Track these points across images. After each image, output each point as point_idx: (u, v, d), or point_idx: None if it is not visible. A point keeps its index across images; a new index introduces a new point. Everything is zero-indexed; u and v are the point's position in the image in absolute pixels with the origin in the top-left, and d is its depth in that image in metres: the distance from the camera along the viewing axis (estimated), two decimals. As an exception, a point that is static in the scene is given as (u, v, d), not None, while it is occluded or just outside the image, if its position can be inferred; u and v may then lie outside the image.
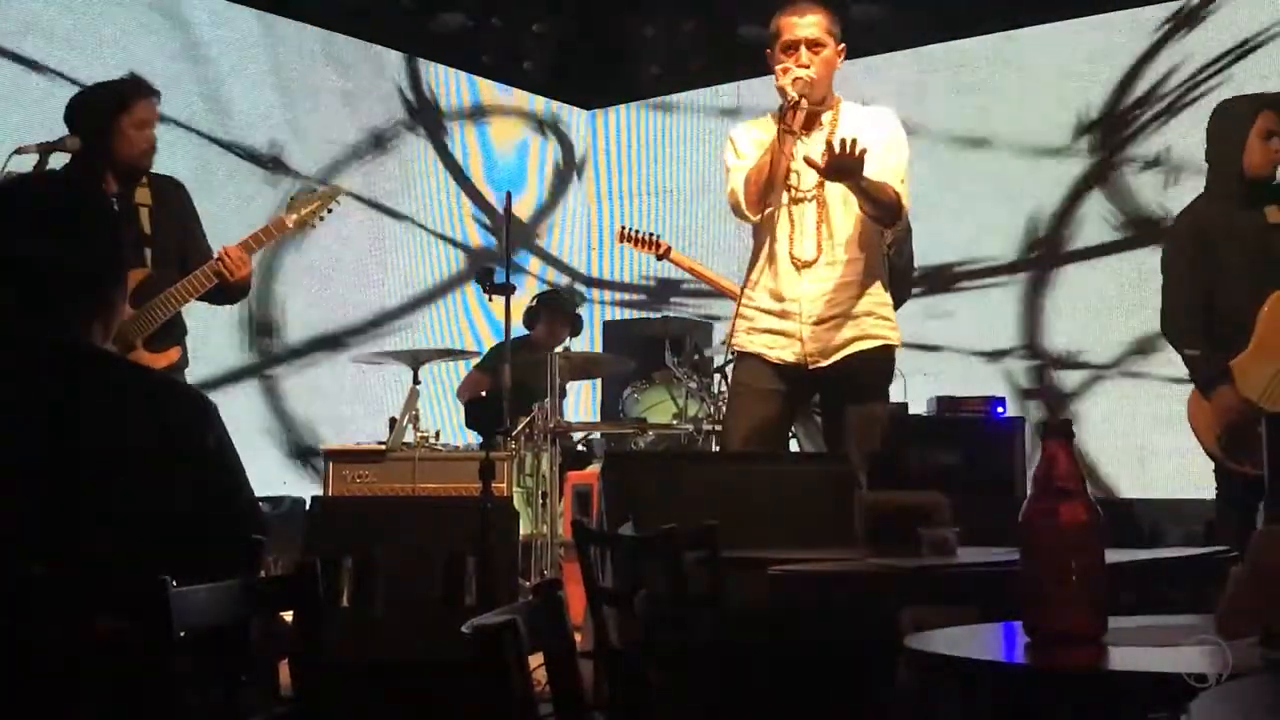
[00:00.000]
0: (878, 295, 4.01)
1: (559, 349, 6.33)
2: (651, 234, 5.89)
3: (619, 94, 8.70)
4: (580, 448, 6.47)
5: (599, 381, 7.67)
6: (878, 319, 4.00)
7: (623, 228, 5.99)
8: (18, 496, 1.81)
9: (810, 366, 3.93)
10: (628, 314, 8.65)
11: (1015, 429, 5.04)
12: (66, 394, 1.90)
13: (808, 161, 3.76)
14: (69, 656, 1.67)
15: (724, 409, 4.21)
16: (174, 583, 1.59)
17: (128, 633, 1.61)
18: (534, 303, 6.82)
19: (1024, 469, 5.16)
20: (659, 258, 5.92)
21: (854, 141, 3.62)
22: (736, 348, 4.03)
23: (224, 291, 4.16)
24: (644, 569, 2.69)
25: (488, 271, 5.47)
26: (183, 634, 1.62)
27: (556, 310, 6.81)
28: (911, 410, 5.49)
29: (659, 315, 8.31)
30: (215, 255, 4.09)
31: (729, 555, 2.61)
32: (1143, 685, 1.41)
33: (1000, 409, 5.04)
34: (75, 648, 1.67)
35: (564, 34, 7.90)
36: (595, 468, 5.49)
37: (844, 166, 3.65)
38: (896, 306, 4.32)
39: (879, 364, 4.01)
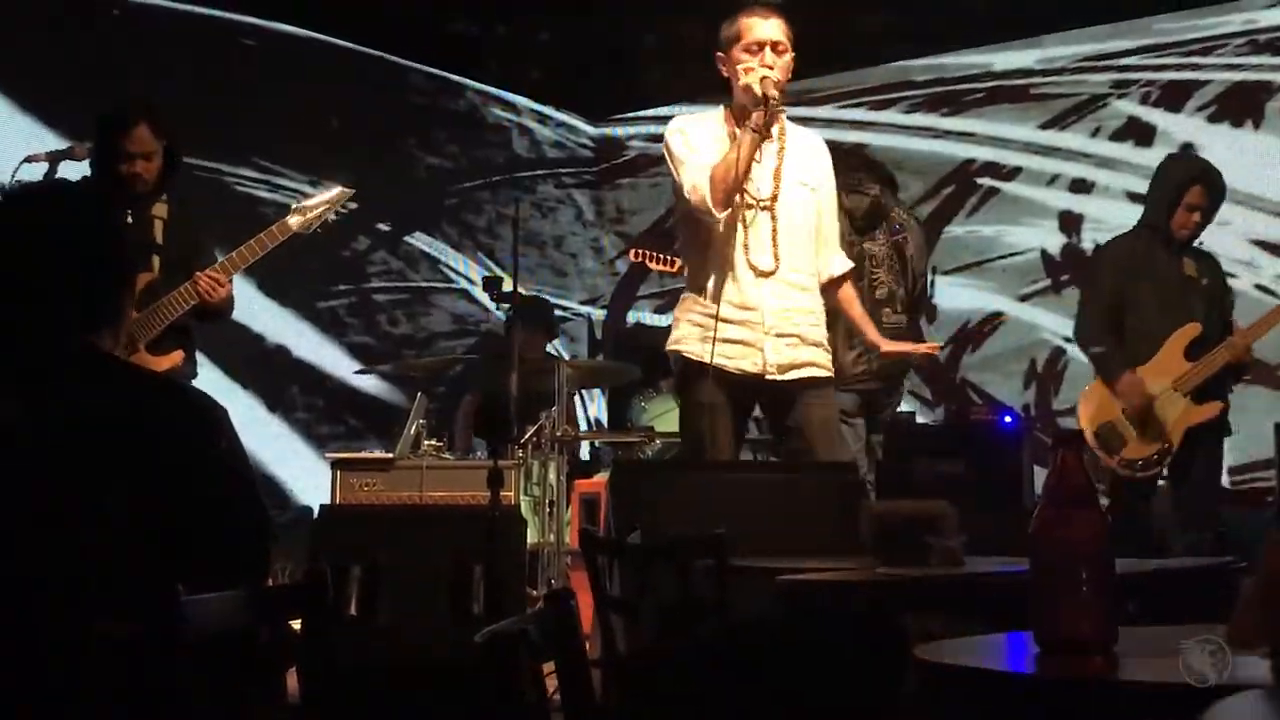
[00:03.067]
0: (824, 328, 3.99)
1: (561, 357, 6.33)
2: (664, 254, 5.90)
3: (625, 103, 8.71)
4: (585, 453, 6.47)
5: (605, 390, 7.67)
6: (825, 351, 3.97)
7: (636, 249, 6.00)
8: (29, 501, 1.81)
9: (767, 378, 3.84)
10: (634, 323, 8.65)
11: (1022, 438, 5.04)
12: (77, 400, 1.90)
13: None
14: (78, 662, 1.67)
15: (682, 419, 4.08)
16: (183, 590, 1.59)
17: (137, 639, 1.61)
18: (508, 313, 6.78)
19: (1031, 478, 5.17)
20: (675, 274, 5.93)
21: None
22: (692, 357, 3.86)
23: (205, 311, 4.17)
24: (651, 577, 2.69)
25: (495, 279, 5.49)
26: (191, 641, 1.62)
27: (529, 318, 6.81)
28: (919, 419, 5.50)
29: (666, 324, 8.31)
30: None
31: (736, 564, 2.61)
32: (1153, 695, 1.40)
33: (1008, 418, 5.05)
34: (84, 654, 1.67)
35: (570, 43, 7.90)
36: (603, 476, 5.49)
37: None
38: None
39: (827, 389, 3.97)
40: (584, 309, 8.66)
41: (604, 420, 7.66)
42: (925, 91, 8.10)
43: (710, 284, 3.87)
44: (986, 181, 7.89)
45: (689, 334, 3.90)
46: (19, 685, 1.66)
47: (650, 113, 8.64)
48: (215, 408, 2.01)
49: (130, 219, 4.01)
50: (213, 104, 6.39)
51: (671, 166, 3.91)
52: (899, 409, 5.46)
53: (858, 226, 5.05)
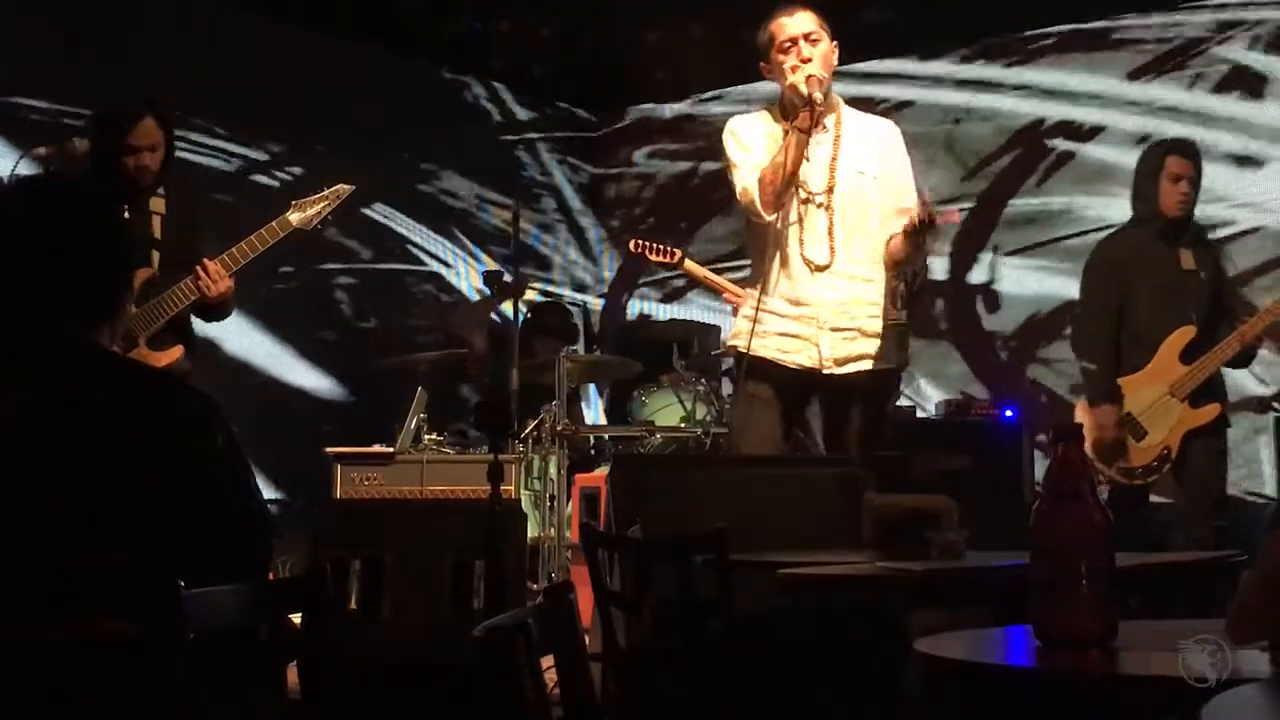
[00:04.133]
0: (886, 317, 3.99)
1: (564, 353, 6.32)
2: (664, 245, 5.90)
3: (627, 99, 8.71)
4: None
5: (606, 384, 7.65)
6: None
7: (636, 239, 5.99)
8: (28, 498, 1.81)
9: (824, 372, 3.86)
10: (635, 316, 8.61)
11: (1023, 432, 5.05)
12: (76, 395, 1.90)
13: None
14: (79, 659, 1.67)
15: (730, 412, 4.14)
16: (183, 585, 1.59)
17: (140, 635, 1.61)
18: (524, 326, 6.76)
19: (1031, 472, 5.17)
20: (672, 268, 5.94)
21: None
22: (745, 351, 3.91)
23: (205, 306, 4.17)
24: (652, 572, 2.69)
25: (496, 273, 5.49)
26: (192, 636, 1.62)
27: (545, 328, 6.83)
28: (919, 414, 5.50)
29: (667, 318, 8.30)
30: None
31: (737, 558, 2.61)
32: (1154, 690, 1.40)
33: (1008, 412, 5.06)
34: (85, 650, 1.67)
35: (572, 39, 7.89)
36: (603, 470, 5.49)
37: (925, 228, 3.76)
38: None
39: (887, 385, 3.99)
40: (578, 297, 8.59)
41: (599, 420, 7.62)
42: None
43: (765, 280, 3.91)
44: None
45: (744, 329, 3.94)
46: (21, 682, 1.66)
47: (652, 107, 8.61)
48: (212, 403, 2.01)
49: (128, 214, 4.00)
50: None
51: (727, 170, 3.97)
52: (898, 404, 5.46)
53: None
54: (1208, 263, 4.87)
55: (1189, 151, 4.81)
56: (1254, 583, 1.51)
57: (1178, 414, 4.71)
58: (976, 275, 6.99)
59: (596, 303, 8.72)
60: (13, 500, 1.80)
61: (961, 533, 2.66)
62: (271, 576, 2.26)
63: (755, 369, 3.90)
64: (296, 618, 1.99)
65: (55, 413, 1.86)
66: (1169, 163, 4.73)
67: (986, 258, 7.09)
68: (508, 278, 5.40)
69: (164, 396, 2.00)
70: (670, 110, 8.42)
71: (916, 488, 3.94)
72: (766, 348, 3.88)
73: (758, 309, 3.88)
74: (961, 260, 7.10)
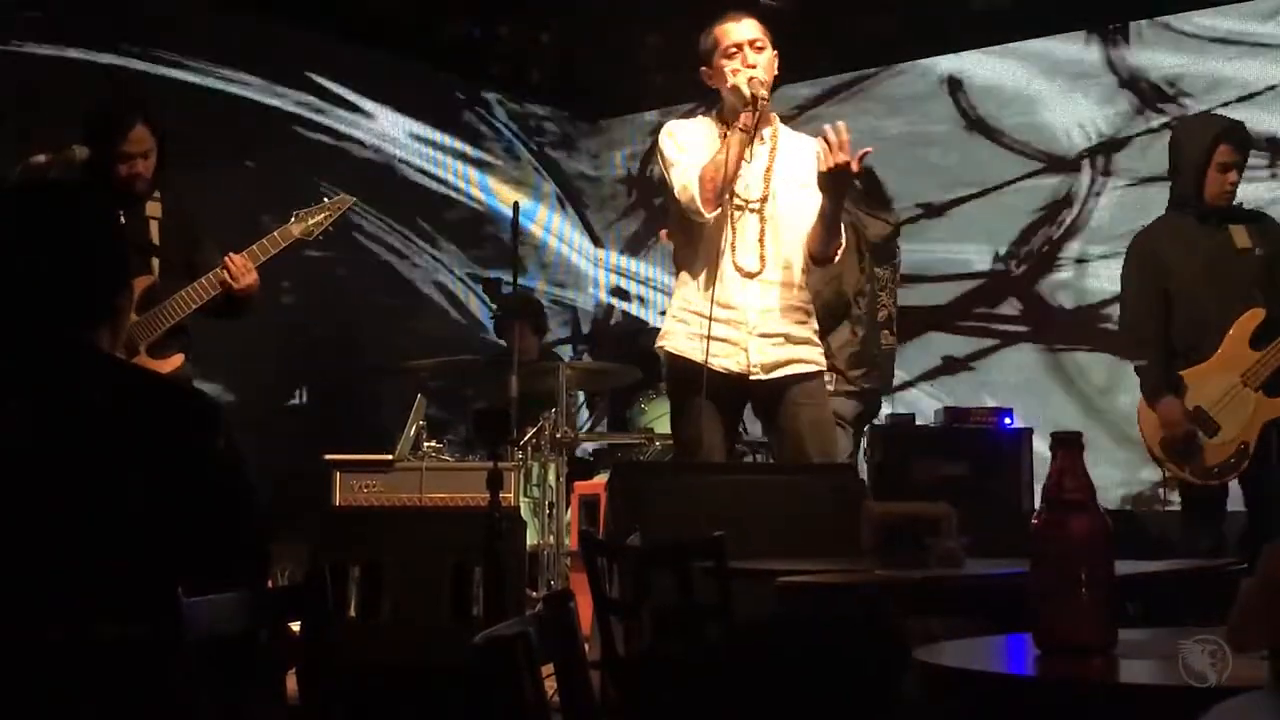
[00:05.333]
0: (812, 324, 4.00)
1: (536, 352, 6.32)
2: None
3: (626, 103, 8.72)
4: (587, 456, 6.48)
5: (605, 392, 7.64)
6: (814, 347, 3.98)
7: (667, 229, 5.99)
8: (28, 499, 1.81)
9: (751, 377, 3.87)
10: (635, 322, 8.60)
11: (1022, 440, 5.04)
12: (76, 397, 1.90)
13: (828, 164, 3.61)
14: (78, 663, 1.67)
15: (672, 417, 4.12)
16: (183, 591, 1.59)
17: (140, 637, 1.61)
18: (496, 315, 6.71)
19: (1031, 480, 5.15)
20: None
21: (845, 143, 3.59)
22: (675, 352, 3.93)
23: (230, 301, 4.17)
24: (651, 579, 2.69)
25: (495, 281, 5.49)
26: (191, 642, 1.62)
27: (517, 314, 6.81)
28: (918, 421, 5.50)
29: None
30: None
31: (736, 566, 2.61)
32: (1153, 697, 1.41)
33: (1008, 420, 5.05)
34: (85, 650, 1.67)
35: (570, 44, 7.90)
36: (602, 478, 5.49)
37: (843, 173, 3.64)
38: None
39: (815, 386, 3.98)
40: (565, 295, 8.54)
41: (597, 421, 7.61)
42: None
43: (696, 283, 3.91)
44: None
45: (674, 330, 3.96)
46: (20, 685, 1.66)
47: (651, 112, 8.60)
48: (212, 406, 2.01)
49: (123, 220, 3.99)
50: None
51: (663, 169, 3.97)
52: (887, 412, 5.51)
53: (879, 255, 5.10)
54: (1265, 238, 4.47)
55: (1241, 139, 4.46)
56: (1254, 590, 1.51)
57: (1253, 404, 4.31)
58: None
59: (582, 300, 8.68)
60: (13, 501, 1.80)
61: (960, 540, 2.66)
62: (271, 583, 2.26)
63: (684, 372, 3.89)
64: (296, 625, 1.99)
65: (55, 414, 1.86)
66: (1220, 151, 4.39)
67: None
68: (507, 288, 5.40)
69: (163, 399, 1.99)
70: (660, 114, 8.42)
71: (916, 495, 3.94)
72: (696, 350, 3.87)
73: (696, 313, 3.88)
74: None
